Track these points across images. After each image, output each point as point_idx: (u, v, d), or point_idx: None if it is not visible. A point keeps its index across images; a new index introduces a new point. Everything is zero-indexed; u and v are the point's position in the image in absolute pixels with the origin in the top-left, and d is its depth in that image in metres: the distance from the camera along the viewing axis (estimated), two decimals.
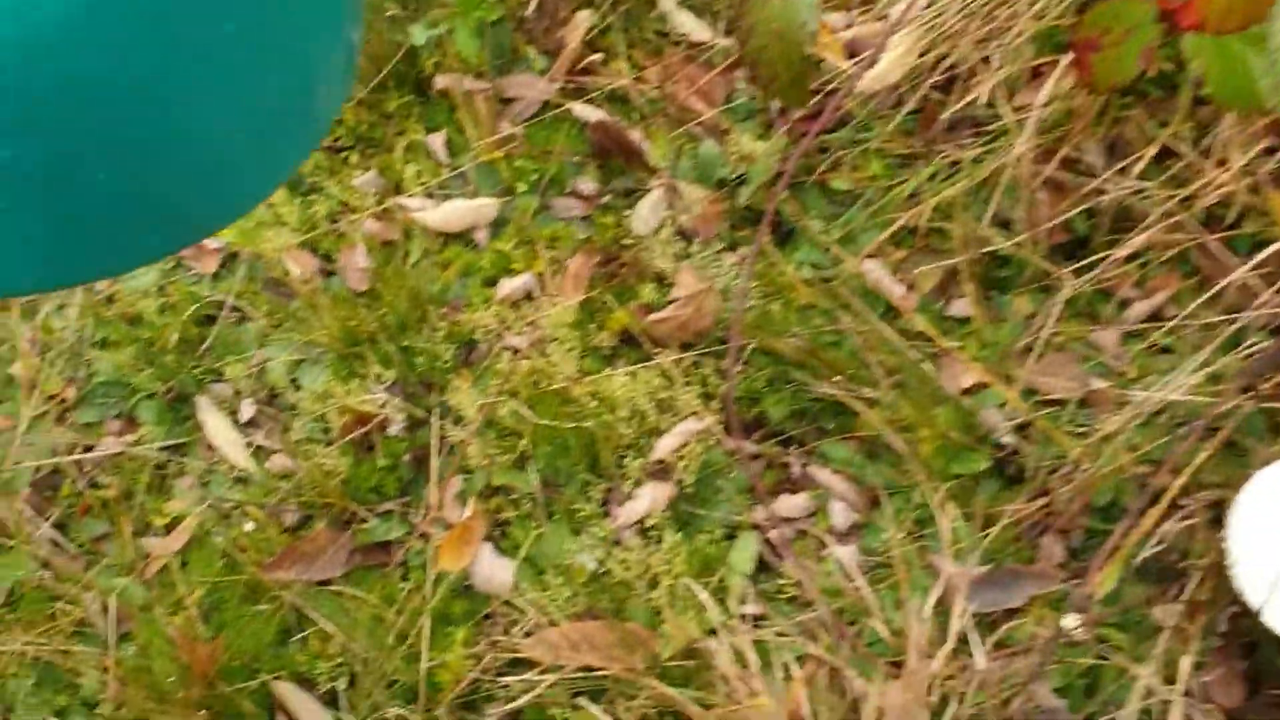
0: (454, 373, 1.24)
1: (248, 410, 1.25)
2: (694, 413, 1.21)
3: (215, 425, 1.24)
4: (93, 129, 0.32)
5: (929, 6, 1.28)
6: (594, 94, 1.40)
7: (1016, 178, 1.24)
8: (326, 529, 1.17)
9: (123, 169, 0.34)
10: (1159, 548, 1.05)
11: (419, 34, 1.38)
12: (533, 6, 1.40)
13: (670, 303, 1.26)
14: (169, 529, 1.18)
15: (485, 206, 1.35)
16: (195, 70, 0.34)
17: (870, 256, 1.28)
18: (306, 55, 0.39)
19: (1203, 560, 1.04)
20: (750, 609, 1.12)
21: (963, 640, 1.04)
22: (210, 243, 1.35)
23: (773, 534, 1.15)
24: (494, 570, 1.13)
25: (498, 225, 1.35)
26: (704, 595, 1.09)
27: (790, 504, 1.18)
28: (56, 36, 0.30)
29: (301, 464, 1.19)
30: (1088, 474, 1.11)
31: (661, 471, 1.19)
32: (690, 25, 1.43)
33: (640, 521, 1.16)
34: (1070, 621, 1.00)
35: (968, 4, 1.26)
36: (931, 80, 1.30)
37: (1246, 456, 1.11)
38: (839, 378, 1.20)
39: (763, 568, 1.15)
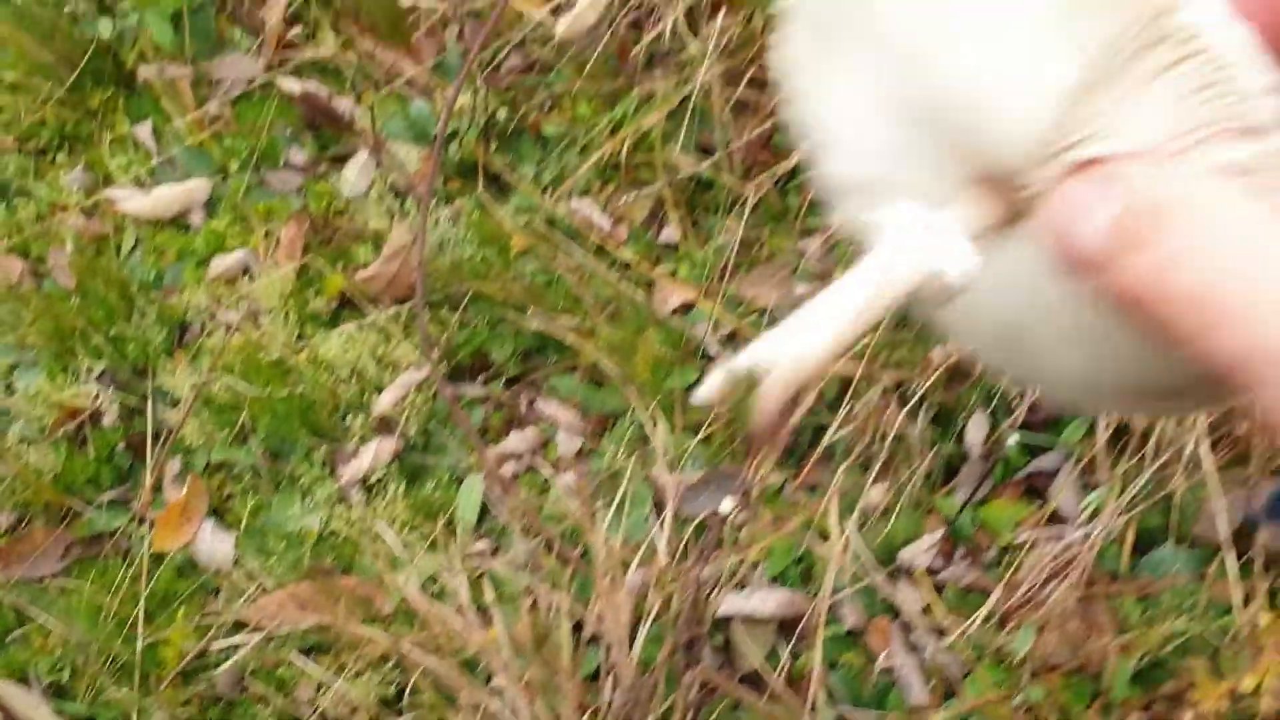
0: (167, 356, 1.22)
1: None
2: (412, 364, 1.21)
3: None
4: None
5: None
6: (301, 66, 1.39)
7: (708, 104, 1.27)
8: (42, 527, 1.14)
9: None
10: (848, 430, 1.08)
11: (105, 27, 1.35)
12: None
13: (380, 261, 1.26)
14: None
15: (196, 188, 1.33)
16: None
17: (580, 194, 1.30)
18: None
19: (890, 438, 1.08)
20: (481, 546, 1.13)
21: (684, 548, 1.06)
22: None
23: (502, 470, 1.16)
24: (215, 545, 1.12)
25: (212, 206, 1.34)
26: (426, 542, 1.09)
27: (517, 440, 1.19)
28: None
29: (11, 465, 1.16)
30: None
31: (384, 426, 1.18)
32: None
33: (365, 478, 1.16)
34: (727, 505, 1.02)
35: None
36: (624, 19, 1.32)
37: (929, 342, 1.15)
38: (556, 316, 1.21)
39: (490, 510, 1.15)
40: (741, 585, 1.05)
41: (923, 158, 0.36)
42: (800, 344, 0.33)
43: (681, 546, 1.07)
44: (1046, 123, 0.32)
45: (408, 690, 1.03)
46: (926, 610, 1.04)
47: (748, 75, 1.28)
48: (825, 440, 1.09)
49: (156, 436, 1.18)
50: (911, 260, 0.33)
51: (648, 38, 1.30)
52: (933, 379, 1.09)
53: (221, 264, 1.28)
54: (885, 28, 0.34)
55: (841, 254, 1.24)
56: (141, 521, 1.14)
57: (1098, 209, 0.31)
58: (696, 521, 1.09)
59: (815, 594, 1.04)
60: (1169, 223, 0.30)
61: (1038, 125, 0.32)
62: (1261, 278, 0.28)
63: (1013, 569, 1.04)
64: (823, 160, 0.39)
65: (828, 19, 0.36)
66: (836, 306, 0.33)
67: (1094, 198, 0.31)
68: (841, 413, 1.10)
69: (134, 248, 1.30)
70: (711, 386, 0.32)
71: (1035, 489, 1.10)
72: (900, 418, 1.08)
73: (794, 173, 1.26)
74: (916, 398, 1.09)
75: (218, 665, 1.06)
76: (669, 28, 1.28)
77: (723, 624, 1.06)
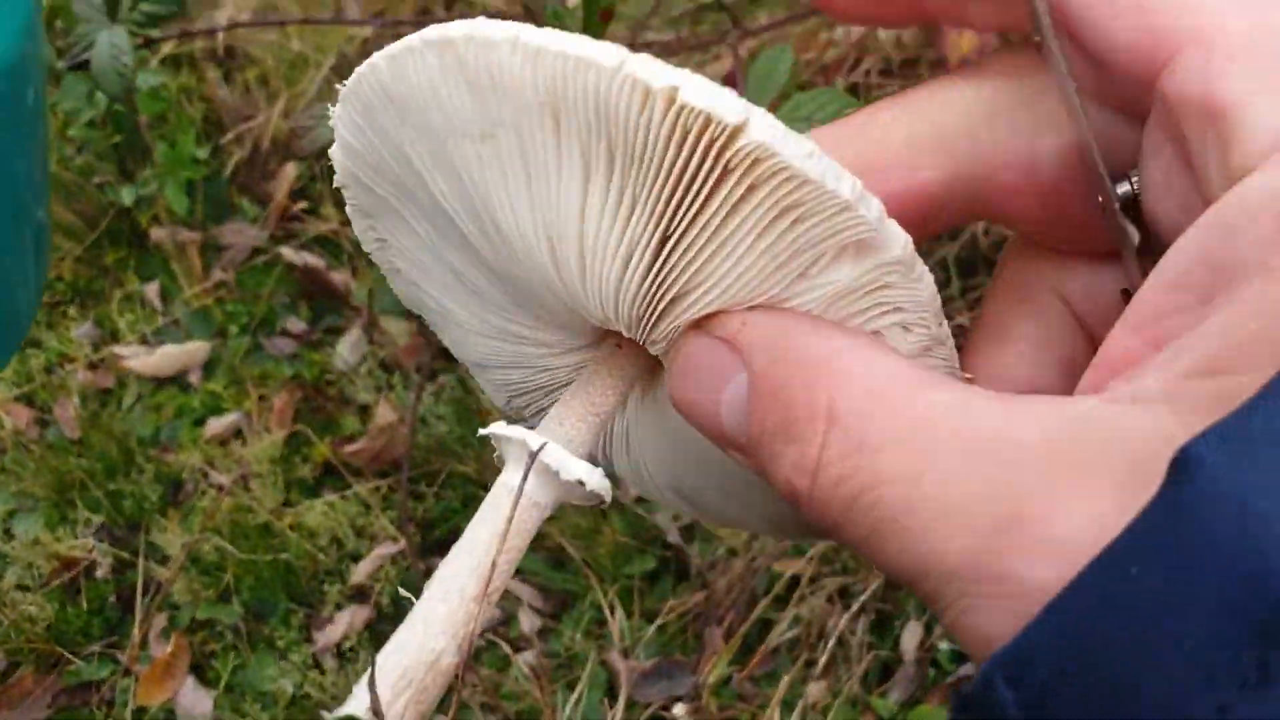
0: (161, 513, 1.31)
1: None
2: (391, 537, 1.30)
3: None
4: None
5: None
6: (303, 239, 1.50)
7: None
8: (32, 674, 1.21)
9: None
10: (795, 630, 1.17)
11: (128, 194, 1.46)
12: (235, 160, 1.50)
13: (366, 435, 1.35)
14: None
15: (197, 350, 1.43)
16: None
17: None
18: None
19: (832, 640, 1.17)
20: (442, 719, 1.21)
21: None
22: None
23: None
24: (195, 702, 1.19)
25: (210, 367, 1.43)
26: None
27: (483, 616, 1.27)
28: None
29: (6, 613, 1.24)
30: (740, 566, 1.23)
31: (359, 594, 1.27)
32: None
33: (338, 645, 1.24)
34: (679, 710, 1.11)
35: None
36: None
37: None
38: None
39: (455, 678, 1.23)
40: None
41: (532, 326, 0.34)
42: (422, 649, 0.30)
43: None
44: (626, 280, 0.29)
45: None
46: None
47: None
48: (772, 637, 1.18)
49: (146, 591, 1.26)
50: (533, 497, 0.31)
51: None
52: (874, 586, 1.19)
53: (217, 425, 1.37)
54: (440, 199, 0.31)
55: None
56: (127, 674, 1.21)
57: (726, 381, 0.29)
58: (651, 710, 1.18)
59: None
60: (806, 407, 0.27)
61: (617, 283, 0.29)
62: (920, 473, 0.25)
63: None
64: (443, 335, 0.38)
65: (387, 193, 0.33)
66: (467, 571, 0.30)
67: (717, 365, 0.29)
68: (789, 612, 1.19)
69: (135, 403, 1.39)
70: None
71: None
72: (843, 621, 1.18)
73: None
74: (859, 603, 1.18)
75: None
76: None
77: None
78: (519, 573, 1.29)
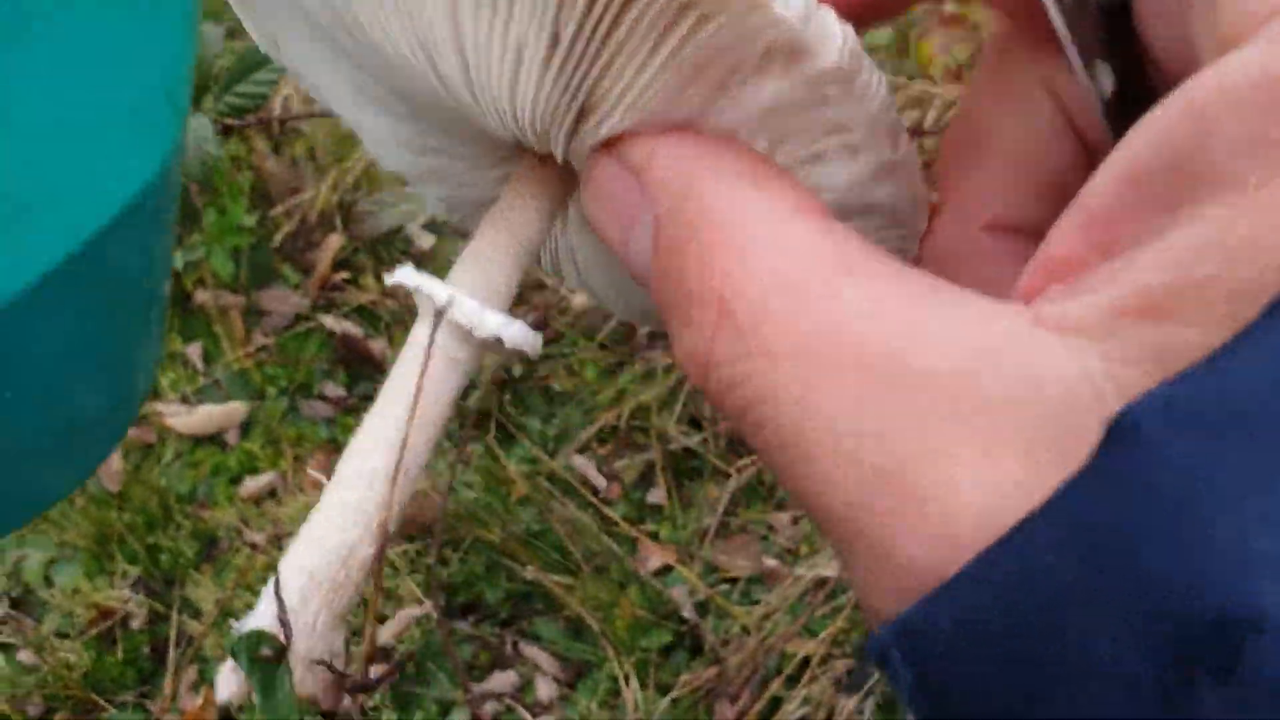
0: (196, 568, 1.36)
1: (0, 608, 1.34)
2: (416, 600, 1.34)
3: None
4: None
5: None
6: (344, 308, 1.56)
7: None
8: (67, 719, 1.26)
9: None
10: (804, 709, 1.22)
11: (178, 259, 1.52)
12: (283, 232, 1.57)
13: None
14: None
15: (236, 410, 1.49)
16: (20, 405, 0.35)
17: (579, 451, 1.45)
18: (127, 354, 0.40)
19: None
20: None
21: None
22: None
23: (484, 709, 1.29)
24: None
25: (248, 427, 1.49)
26: None
27: (501, 680, 1.32)
28: None
29: (46, 659, 1.29)
30: (753, 644, 1.28)
31: (382, 655, 1.31)
32: (428, 241, 1.61)
33: (361, 706, 1.28)
34: None
35: None
36: None
37: None
38: (542, 564, 1.35)
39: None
40: None
41: (444, 140, 0.31)
42: (337, 542, 0.27)
43: None
44: (521, 93, 0.26)
45: None
46: None
47: None
48: (781, 716, 1.23)
49: (178, 643, 1.30)
50: (446, 356, 0.28)
51: None
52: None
53: (253, 484, 1.42)
54: (315, 12, 0.28)
55: (809, 531, 1.39)
56: None
57: (634, 220, 0.25)
58: None
59: None
60: (698, 285, 0.23)
61: (510, 95, 0.26)
62: (813, 396, 0.21)
63: None
64: (365, 145, 0.35)
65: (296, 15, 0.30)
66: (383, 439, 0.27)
67: (623, 199, 0.25)
68: (800, 691, 1.23)
69: (174, 460, 1.45)
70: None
71: None
72: (850, 703, 1.22)
73: None
74: (867, 686, 1.22)
75: None
76: None
77: None
78: (536, 639, 1.34)
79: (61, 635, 1.32)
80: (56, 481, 0.39)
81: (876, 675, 1.22)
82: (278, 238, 1.55)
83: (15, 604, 1.35)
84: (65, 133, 0.33)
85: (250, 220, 1.56)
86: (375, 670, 0.31)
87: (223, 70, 1.01)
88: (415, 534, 1.39)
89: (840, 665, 1.24)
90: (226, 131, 1.32)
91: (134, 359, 0.40)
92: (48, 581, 1.37)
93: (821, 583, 1.30)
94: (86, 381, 0.37)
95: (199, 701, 1.25)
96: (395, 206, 1.48)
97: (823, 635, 1.25)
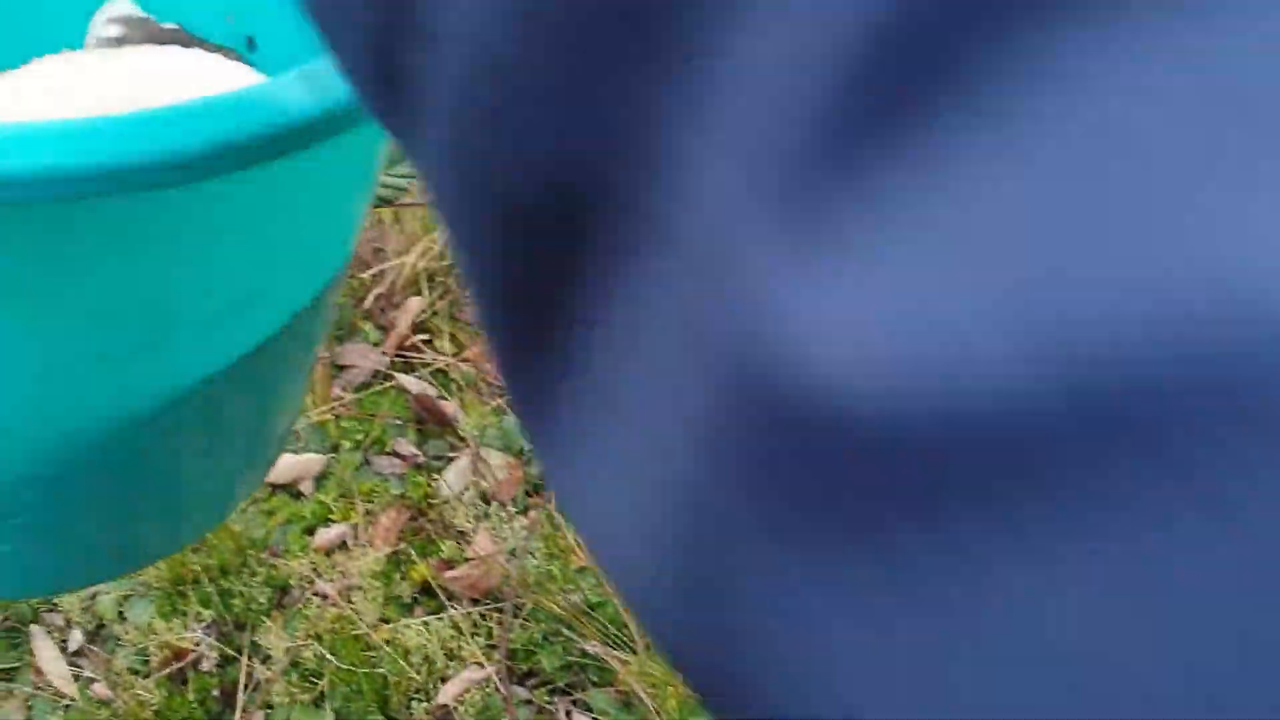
0: (267, 615, 1.41)
1: (76, 640, 1.39)
2: (478, 662, 1.39)
3: (45, 652, 1.37)
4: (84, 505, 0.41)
5: None
6: (420, 368, 1.62)
7: None
8: None
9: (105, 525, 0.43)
10: None
11: None
12: (372, 295, 1.63)
13: (466, 560, 1.46)
14: None
15: (312, 461, 1.54)
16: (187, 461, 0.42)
17: None
18: (276, 418, 0.47)
19: None
20: None
21: None
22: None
23: None
24: None
25: (322, 478, 1.54)
26: None
27: None
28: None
29: (120, 694, 1.34)
30: None
31: (443, 715, 1.36)
32: None
33: None
34: None
35: None
36: None
37: None
38: (599, 637, 1.40)
39: None
40: None
41: None
42: None
43: None
44: None
45: None
46: None
47: None
48: None
49: (247, 687, 1.35)
50: None
51: None
52: None
53: (325, 535, 1.47)
54: None
55: None
56: None
57: None
58: None
59: None
60: None
61: None
62: None
63: None
64: None
65: None
66: None
67: None
68: None
69: (250, 507, 1.50)
70: None
71: None
72: None
73: None
74: None
75: None
76: None
77: None
78: (588, 710, 1.38)
79: (133, 672, 1.37)
80: (189, 531, 0.46)
81: None
82: (370, 299, 1.61)
83: (90, 638, 1.40)
84: (299, 249, 0.40)
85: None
86: None
87: None
88: (479, 597, 1.43)
89: None
90: None
91: (279, 427, 0.46)
92: (121, 618, 1.42)
93: None
94: (248, 440, 0.44)
95: None
96: None
97: None
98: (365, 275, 1.65)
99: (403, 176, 1.02)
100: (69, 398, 0.34)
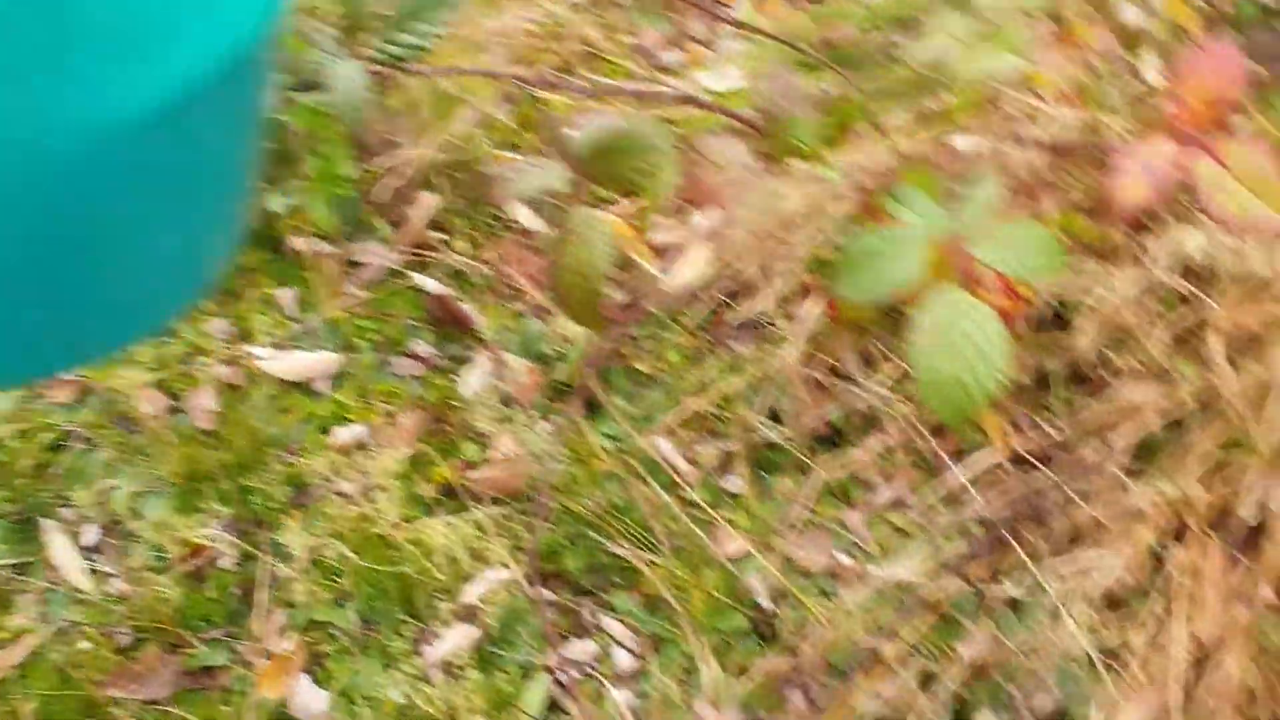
0: (286, 513, 1.38)
1: (91, 535, 1.36)
2: (502, 563, 1.37)
3: (59, 547, 1.34)
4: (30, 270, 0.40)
5: (727, 225, 1.52)
6: (435, 267, 1.58)
7: (786, 377, 1.47)
8: (157, 651, 1.28)
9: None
10: (878, 703, 1.26)
11: (275, 201, 1.53)
12: (381, 186, 1.58)
13: (488, 462, 1.43)
14: (8, 643, 1.27)
15: (327, 360, 1.50)
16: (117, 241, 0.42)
17: (662, 433, 1.48)
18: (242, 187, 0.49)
19: None
20: None
21: None
22: (65, 374, 1.46)
23: (563, 675, 1.32)
24: (310, 700, 1.26)
25: (338, 378, 1.50)
26: None
27: (580, 648, 1.35)
28: None
29: (137, 589, 1.31)
30: (828, 637, 1.32)
31: (469, 614, 1.34)
32: (523, 214, 1.63)
33: (447, 660, 1.31)
34: None
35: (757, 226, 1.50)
36: (723, 288, 1.53)
37: (958, 628, 1.34)
38: (627, 539, 1.39)
39: (553, 706, 1.31)
40: None
41: None
42: None
43: None
44: None
45: None
46: None
47: (822, 360, 1.49)
48: (852, 714, 1.27)
49: (266, 586, 1.33)
50: None
51: (745, 309, 1.51)
52: (954, 670, 1.28)
53: (343, 434, 1.44)
54: None
55: (884, 534, 1.44)
56: (246, 664, 1.28)
57: None
58: None
59: None
60: None
61: None
62: None
63: None
64: None
65: None
66: None
67: None
68: (874, 689, 1.28)
69: (264, 403, 1.46)
70: None
71: None
72: (923, 701, 1.27)
73: (844, 452, 1.46)
74: (940, 686, 1.27)
75: None
76: (765, 305, 1.49)
77: None
78: (613, 610, 1.37)
79: (150, 569, 1.34)
80: (170, 297, 0.47)
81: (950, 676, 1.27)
82: (384, 191, 1.57)
83: (105, 532, 1.37)
84: None
85: (353, 171, 1.57)
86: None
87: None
88: (501, 498, 1.42)
89: (917, 666, 1.29)
90: (377, 76, 1.33)
91: (245, 194, 0.47)
92: (136, 514, 1.38)
93: (903, 587, 1.35)
94: (213, 196, 0.45)
95: (287, 646, 1.28)
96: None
97: (902, 635, 1.29)
98: (373, 164, 1.60)
99: (419, 35, 0.97)
100: None
